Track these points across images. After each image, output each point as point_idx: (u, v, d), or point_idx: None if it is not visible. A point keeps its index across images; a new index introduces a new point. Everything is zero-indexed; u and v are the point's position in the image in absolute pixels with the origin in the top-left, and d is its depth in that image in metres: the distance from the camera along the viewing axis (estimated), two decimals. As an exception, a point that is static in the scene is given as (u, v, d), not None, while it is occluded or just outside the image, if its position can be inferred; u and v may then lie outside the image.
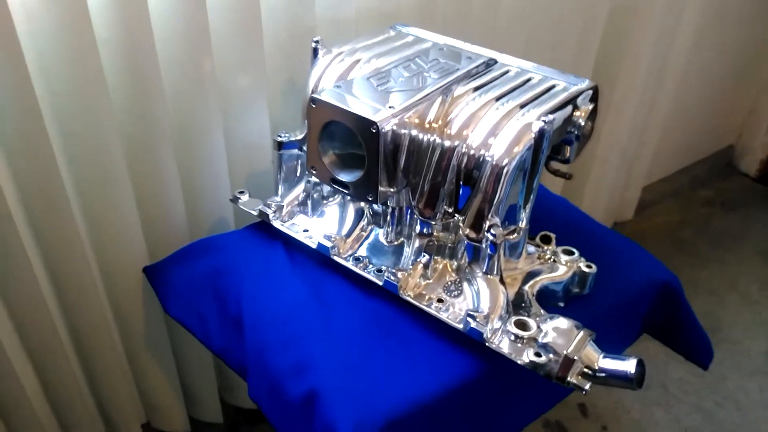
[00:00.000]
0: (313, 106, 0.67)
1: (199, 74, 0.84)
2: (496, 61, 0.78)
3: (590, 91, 0.75)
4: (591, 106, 0.74)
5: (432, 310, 0.68)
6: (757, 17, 1.76)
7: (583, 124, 0.73)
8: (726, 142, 2.05)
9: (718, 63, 1.76)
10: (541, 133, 0.65)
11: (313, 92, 0.77)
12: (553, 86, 0.74)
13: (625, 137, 1.53)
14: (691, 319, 0.84)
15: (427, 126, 0.69)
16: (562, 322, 0.66)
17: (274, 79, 0.93)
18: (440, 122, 0.69)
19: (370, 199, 0.67)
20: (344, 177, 0.69)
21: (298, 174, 0.83)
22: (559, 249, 0.77)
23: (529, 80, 0.75)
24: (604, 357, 0.63)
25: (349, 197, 0.76)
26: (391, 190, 0.69)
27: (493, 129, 0.67)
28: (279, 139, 0.80)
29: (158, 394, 1.11)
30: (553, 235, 0.77)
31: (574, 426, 1.29)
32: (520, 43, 1.14)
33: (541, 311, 0.69)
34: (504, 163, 0.65)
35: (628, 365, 0.61)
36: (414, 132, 0.68)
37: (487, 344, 0.64)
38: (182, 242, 0.94)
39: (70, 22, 0.72)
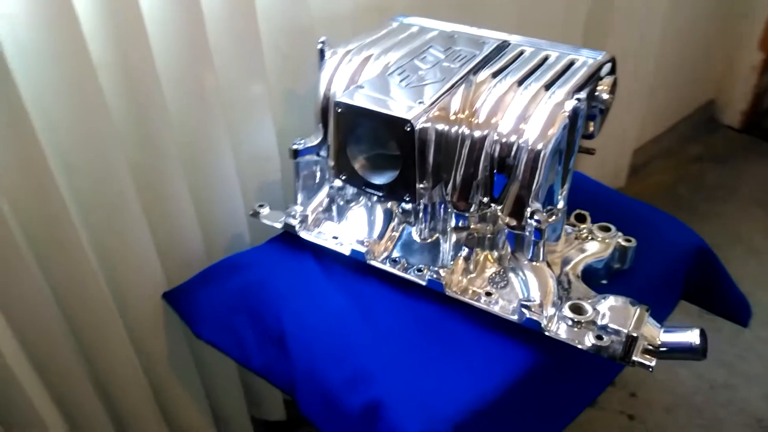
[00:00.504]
0: (338, 110, 0.64)
1: (201, 89, 0.80)
2: (508, 43, 0.77)
3: (609, 63, 0.74)
4: (612, 78, 0.73)
5: (482, 305, 0.67)
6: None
7: (606, 97, 0.72)
8: (706, 96, 2.07)
9: (695, 22, 1.77)
10: (575, 112, 0.64)
11: (326, 95, 0.75)
12: (572, 62, 0.73)
13: (615, 104, 1.52)
14: (727, 279, 0.84)
15: (453, 118, 0.67)
16: (616, 300, 0.65)
17: (275, 84, 0.90)
18: (466, 112, 0.67)
19: (407, 199, 0.65)
20: (378, 180, 0.66)
21: (317, 180, 0.81)
22: (595, 226, 0.76)
23: (546, 59, 0.74)
24: (665, 331, 0.62)
25: (380, 199, 0.74)
26: (425, 186, 0.68)
27: (523, 113, 0.66)
28: (295, 146, 0.78)
29: (187, 418, 1.08)
30: (587, 213, 0.76)
31: (605, 396, 1.29)
32: (511, 20, 1.13)
33: (591, 292, 0.68)
34: (540, 147, 0.64)
35: (692, 336, 0.60)
36: (441, 125, 0.66)
37: (546, 333, 0.63)
38: (200, 263, 0.91)
39: (65, 48, 0.68)
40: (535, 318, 0.63)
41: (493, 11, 1.10)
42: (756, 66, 1.92)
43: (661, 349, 0.61)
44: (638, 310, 0.63)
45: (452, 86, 0.67)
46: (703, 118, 2.08)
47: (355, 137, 0.66)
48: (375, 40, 0.78)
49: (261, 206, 0.82)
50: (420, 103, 0.63)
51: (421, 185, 0.67)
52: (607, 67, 0.74)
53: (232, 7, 0.79)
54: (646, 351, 0.61)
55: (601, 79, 0.72)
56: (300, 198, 0.82)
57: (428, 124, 0.65)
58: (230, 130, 0.87)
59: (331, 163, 0.74)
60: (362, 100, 0.64)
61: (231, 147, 0.88)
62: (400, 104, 0.63)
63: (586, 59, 0.73)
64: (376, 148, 0.68)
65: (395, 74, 0.68)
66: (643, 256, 0.76)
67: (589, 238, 0.75)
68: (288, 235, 0.81)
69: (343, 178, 0.69)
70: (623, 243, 0.74)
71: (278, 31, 0.87)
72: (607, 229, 0.75)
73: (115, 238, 0.82)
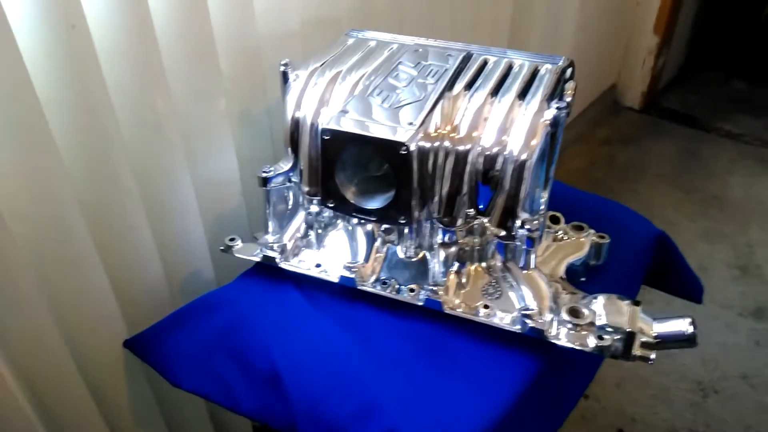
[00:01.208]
0: (326, 137, 0.62)
1: (156, 118, 0.75)
2: (472, 53, 0.77)
3: (570, 68, 0.76)
4: (574, 82, 0.75)
5: (482, 319, 0.67)
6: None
7: (570, 100, 0.74)
8: (608, 81, 2.20)
9: (600, 11, 1.87)
10: (555, 120, 0.66)
11: (294, 119, 0.72)
12: (537, 69, 0.74)
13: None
14: (682, 262, 0.89)
15: (435, 134, 0.67)
16: (606, 299, 0.67)
17: (228, 106, 0.86)
18: (447, 128, 0.67)
19: (402, 222, 0.64)
20: (370, 204, 0.65)
21: (289, 207, 0.78)
22: (568, 226, 0.78)
23: (510, 67, 0.75)
24: (657, 322, 0.65)
25: (361, 222, 0.72)
26: (415, 205, 0.67)
27: (503, 125, 0.67)
28: (264, 174, 0.74)
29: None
30: (560, 215, 0.79)
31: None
32: (445, 23, 1.16)
33: (580, 293, 0.70)
34: (524, 158, 0.65)
35: (683, 325, 0.64)
36: (425, 143, 0.66)
37: (550, 340, 0.64)
38: (163, 303, 0.86)
39: (7, 85, 0.61)
40: (537, 326, 0.64)
41: (429, 17, 1.12)
42: (652, 49, 2.06)
43: (656, 340, 0.64)
44: (630, 306, 0.66)
45: (436, 103, 0.66)
46: (608, 102, 2.21)
47: (342, 163, 0.64)
48: (336, 58, 0.76)
49: (232, 240, 0.78)
50: (410, 124, 0.62)
51: (420, 206, 0.67)
52: (567, 72, 0.76)
53: (186, 29, 0.75)
54: (644, 345, 0.64)
55: (565, 82, 0.74)
56: (271, 226, 0.78)
57: (417, 144, 0.64)
58: (188, 155, 0.82)
59: (307, 188, 0.72)
60: (351, 125, 0.62)
61: (189, 173, 0.83)
62: (391, 127, 0.62)
63: (549, 66, 0.75)
64: (361, 172, 0.66)
65: (375, 95, 0.67)
66: (612, 250, 0.79)
67: (565, 238, 0.77)
68: (262, 267, 0.78)
69: (332, 205, 0.66)
70: (598, 240, 0.76)
71: (225, 54, 0.83)
72: (581, 228, 0.78)
73: (70, 286, 0.76)
